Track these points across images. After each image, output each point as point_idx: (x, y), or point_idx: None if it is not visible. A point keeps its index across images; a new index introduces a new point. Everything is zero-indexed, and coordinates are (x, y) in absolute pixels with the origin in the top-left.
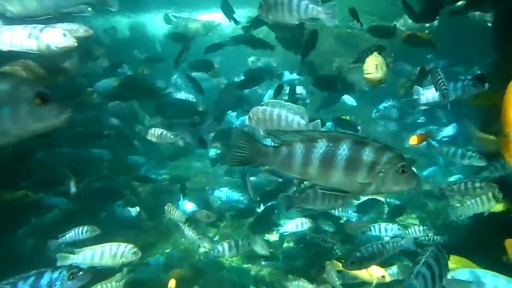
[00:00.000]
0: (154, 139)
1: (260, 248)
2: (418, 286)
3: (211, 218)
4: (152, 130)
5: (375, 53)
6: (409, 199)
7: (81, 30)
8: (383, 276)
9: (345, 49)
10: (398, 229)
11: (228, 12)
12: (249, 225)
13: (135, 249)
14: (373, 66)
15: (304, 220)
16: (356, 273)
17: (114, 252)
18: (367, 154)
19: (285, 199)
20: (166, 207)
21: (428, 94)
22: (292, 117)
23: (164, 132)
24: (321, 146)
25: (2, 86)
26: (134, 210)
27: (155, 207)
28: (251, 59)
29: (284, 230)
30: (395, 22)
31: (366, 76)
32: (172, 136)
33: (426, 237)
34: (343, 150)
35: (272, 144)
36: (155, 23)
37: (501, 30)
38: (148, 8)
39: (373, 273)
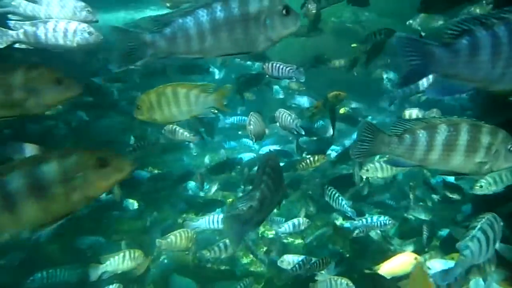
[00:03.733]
0: (169, 135)
1: None
2: (473, 248)
3: None
4: (168, 126)
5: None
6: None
7: None
8: (416, 258)
9: (342, 43)
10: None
11: None
12: None
13: (195, 235)
14: (145, 105)
15: (301, 220)
16: (393, 271)
17: (186, 235)
18: (485, 135)
19: None
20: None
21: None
22: None
23: (181, 130)
24: (442, 131)
25: (264, 2)
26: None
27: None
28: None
29: (282, 230)
30: (410, 21)
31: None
32: (186, 134)
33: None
34: (464, 133)
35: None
36: None
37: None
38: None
39: (407, 261)
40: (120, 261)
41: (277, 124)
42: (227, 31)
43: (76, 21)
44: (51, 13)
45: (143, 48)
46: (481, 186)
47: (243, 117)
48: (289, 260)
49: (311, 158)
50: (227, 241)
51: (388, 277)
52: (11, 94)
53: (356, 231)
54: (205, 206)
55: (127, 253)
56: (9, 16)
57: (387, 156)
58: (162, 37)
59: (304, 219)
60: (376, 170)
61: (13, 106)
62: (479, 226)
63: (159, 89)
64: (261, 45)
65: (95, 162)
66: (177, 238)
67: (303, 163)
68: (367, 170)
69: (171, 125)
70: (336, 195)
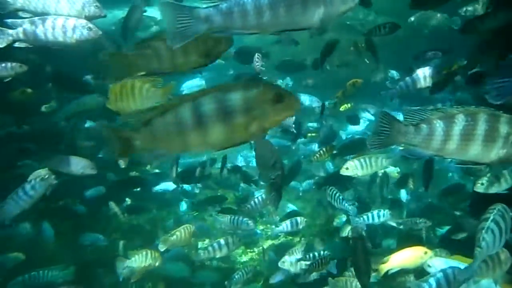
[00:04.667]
0: None
1: None
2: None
3: None
4: None
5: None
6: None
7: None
8: (426, 252)
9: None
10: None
11: None
12: None
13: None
14: (112, 95)
15: (299, 219)
16: (402, 264)
17: (189, 231)
18: (503, 125)
19: None
20: None
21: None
22: None
23: None
24: (460, 121)
25: None
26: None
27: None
28: None
29: (279, 230)
30: (411, 18)
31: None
32: None
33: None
34: (482, 123)
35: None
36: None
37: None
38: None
39: (417, 254)
40: (143, 259)
41: None
42: (285, 7)
43: (84, 17)
44: (60, 9)
45: (197, 23)
46: (482, 184)
47: None
48: (290, 261)
49: (323, 150)
50: (221, 240)
51: (397, 270)
52: (207, 45)
53: (348, 231)
54: (206, 203)
55: (149, 252)
56: (20, 13)
57: (403, 145)
58: (218, 12)
59: (302, 218)
60: (356, 168)
61: (207, 55)
62: (492, 217)
63: (123, 81)
64: (319, 21)
65: (273, 97)
66: (181, 234)
67: (317, 155)
68: (347, 169)
69: None
70: (337, 194)
